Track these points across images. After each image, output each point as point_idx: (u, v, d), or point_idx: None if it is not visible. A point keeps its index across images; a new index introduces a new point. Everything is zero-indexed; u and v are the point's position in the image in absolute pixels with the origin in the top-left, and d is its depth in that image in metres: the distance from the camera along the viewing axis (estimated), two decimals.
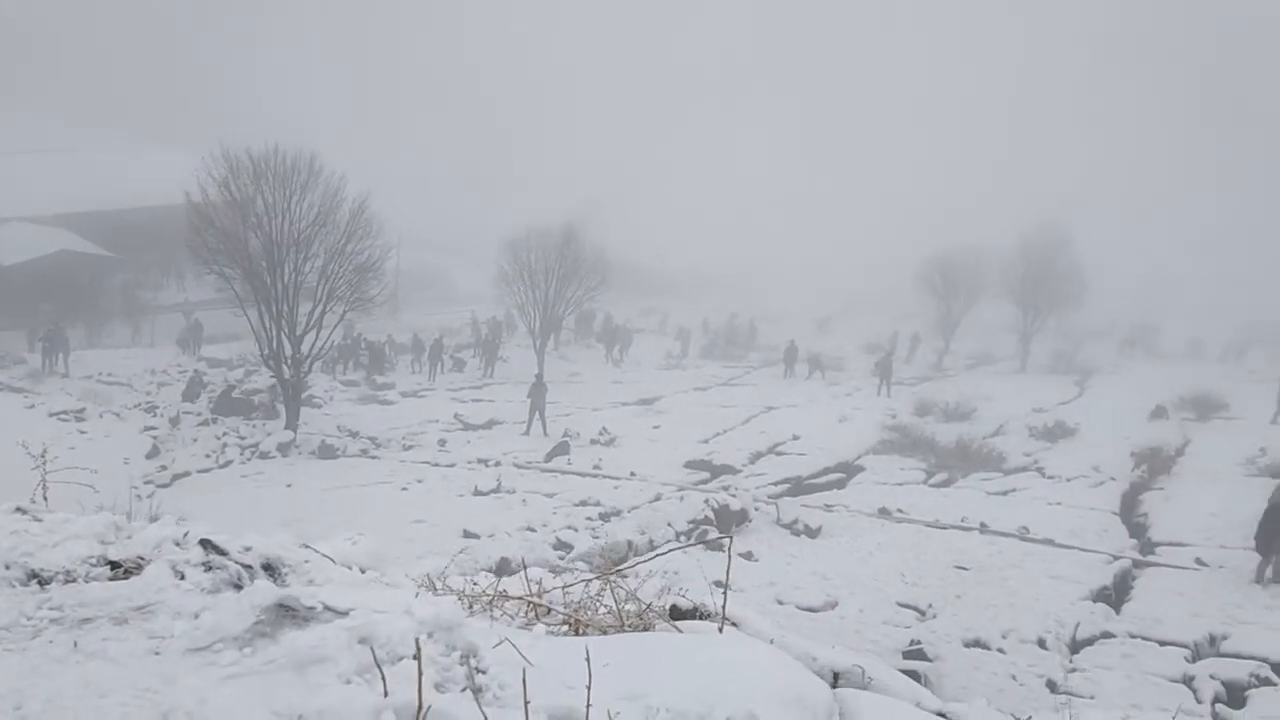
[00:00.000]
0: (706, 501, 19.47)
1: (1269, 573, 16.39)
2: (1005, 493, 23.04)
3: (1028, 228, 45.17)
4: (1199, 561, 17.80)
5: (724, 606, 4.17)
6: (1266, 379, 38.56)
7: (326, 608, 2.73)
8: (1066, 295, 44.68)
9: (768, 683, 2.97)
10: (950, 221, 58.77)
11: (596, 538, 18.29)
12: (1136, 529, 20.22)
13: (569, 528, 19.12)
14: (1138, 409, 32.17)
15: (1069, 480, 24.01)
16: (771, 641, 4.24)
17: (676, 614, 4.99)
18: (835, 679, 4.45)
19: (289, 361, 27.13)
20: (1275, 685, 13.01)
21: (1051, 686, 12.96)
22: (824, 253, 75.65)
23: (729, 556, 4.84)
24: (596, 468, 24.65)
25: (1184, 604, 15.69)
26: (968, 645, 14.18)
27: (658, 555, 15.78)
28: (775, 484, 23.58)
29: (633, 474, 23.87)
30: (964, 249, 46.35)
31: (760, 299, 63.73)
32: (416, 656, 2.31)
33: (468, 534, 18.34)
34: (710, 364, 46.73)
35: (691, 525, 18.77)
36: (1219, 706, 12.42)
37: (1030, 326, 44.72)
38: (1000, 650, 14.13)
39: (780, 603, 15.64)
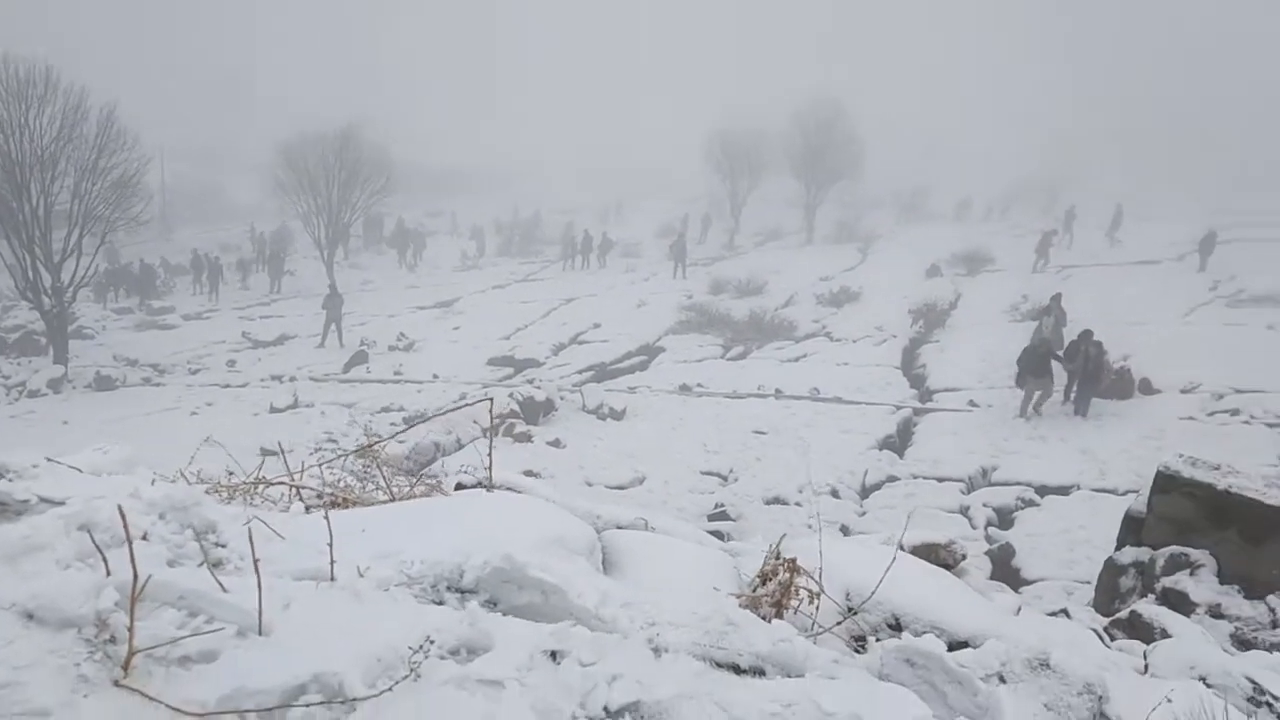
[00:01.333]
0: (511, 395, 19.46)
1: (1030, 408, 17.85)
2: (797, 359, 24.03)
3: (802, 103, 46.25)
4: (971, 403, 19.18)
5: (490, 469, 4.18)
6: (1027, 232, 41.45)
7: (42, 499, 2.56)
8: (844, 166, 46.24)
9: (529, 529, 3.00)
10: (734, 100, 59.30)
11: (402, 442, 18.01)
12: (916, 380, 21.54)
13: (372, 434, 18.75)
14: (915, 269, 34.02)
15: (855, 341, 25.27)
16: (549, 501, 4.30)
17: (460, 490, 4.98)
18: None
19: (49, 292, 25.15)
20: (1037, 505, 14.31)
21: (844, 530, 13.78)
22: (611, 139, 75.26)
23: (490, 436, 4.82)
24: (397, 374, 24.21)
25: (959, 443, 16.94)
26: (768, 503, 14.88)
27: (439, 415, 15.79)
28: (579, 372, 23.80)
29: (435, 376, 23.58)
30: (745, 127, 47.20)
31: (549, 191, 63.17)
32: (124, 525, 2.19)
33: (265, 451, 17.68)
34: (507, 261, 46.33)
35: (498, 421, 18.73)
36: (990, 529, 13.58)
37: (813, 200, 46.22)
38: (798, 504, 14.89)
39: (589, 484, 15.92)
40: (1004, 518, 14.06)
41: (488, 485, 4.22)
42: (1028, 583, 11.82)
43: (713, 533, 12.97)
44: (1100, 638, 4.82)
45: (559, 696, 2.23)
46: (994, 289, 30.13)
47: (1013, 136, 66.97)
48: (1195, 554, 6.96)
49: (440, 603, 2.68)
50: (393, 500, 4.00)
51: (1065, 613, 5.71)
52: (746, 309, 28.46)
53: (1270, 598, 6.60)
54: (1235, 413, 17.26)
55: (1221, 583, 6.83)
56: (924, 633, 3.08)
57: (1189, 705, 2.55)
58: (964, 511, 14.23)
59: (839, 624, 2.99)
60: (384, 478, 4.22)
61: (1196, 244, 31.43)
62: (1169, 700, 2.60)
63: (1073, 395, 17.87)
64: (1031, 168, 58.28)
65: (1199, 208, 42.71)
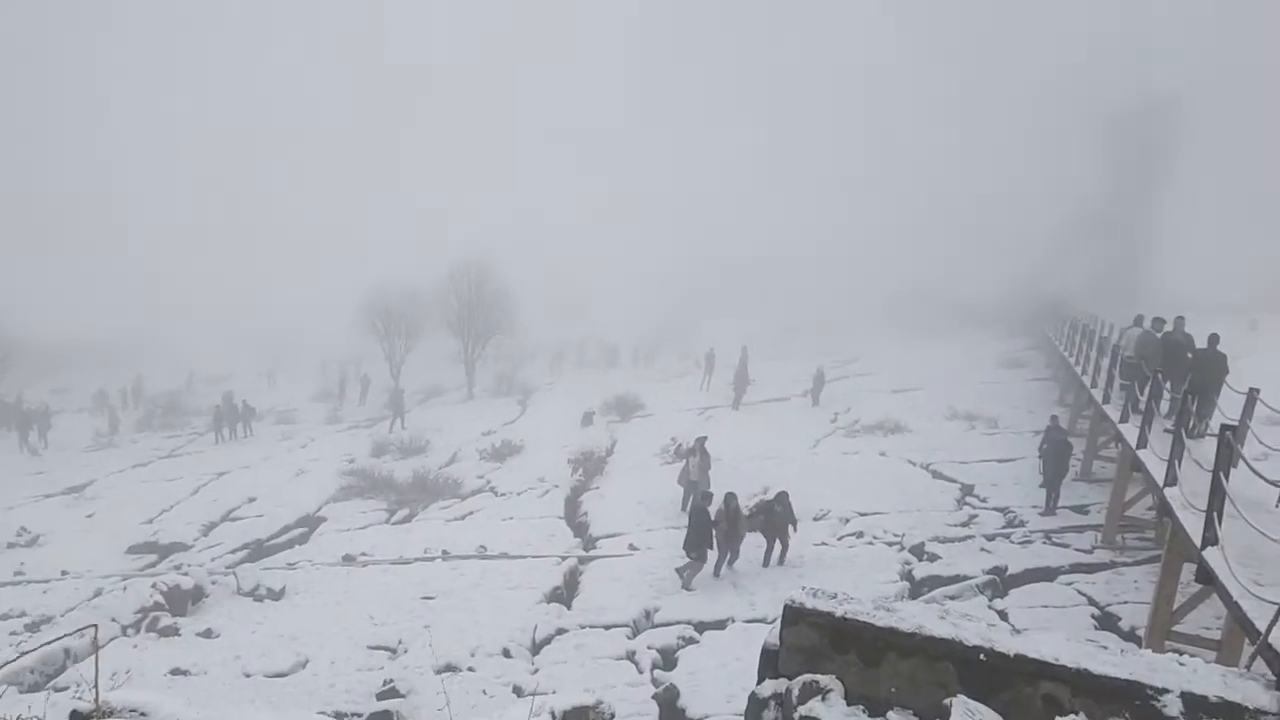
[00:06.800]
0: (154, 586, 18.00)
1: (690, 575, 17.49)
2: (463, 517, 24.04)
3: (454, 264, 47.13)
4: (631, 546, 20.02)
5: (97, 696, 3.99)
6: (669, 376, 44.36)
7: None
8: (498, 321, 47.44)
9: None
10: (380, 259, 59.20)
11: (25, 652, 16.07)
12: (580, 528, 22.18)
13: None
14: (572, 418, 35.20)
15: (519, 494, 25.69)
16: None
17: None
18: None
19: None
20: (698, 642, 15.10)
21: (518, 691, 13.83)
22: (248, 301, 71.66)
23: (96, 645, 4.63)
24: (18, 574, 21.64)
25: (622, 588, 17.57)
26: (439, 672, 14.63)
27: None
28: (233, 552, 22.46)
29: (64, 573, 21.34)
30: (400, 289, 47.41)
31: (191, 359, 59.26)
32: None
33: None
34: (150, 436, 42.89)
35: (140, 615, 17.26)
36: (656, 672, 14.12)
37: (471, 355, 46.90)
38: (470, 669, 14.77)
39: (247, 675, 14.95)
40: (668, 657, 14.70)
41: (119, 715, 4.01)
42: None
43: (380, 714, 12.68)
44: None
45: None
46: (646, 433, 31.81)
47: (652, 290, 70.62)
48: (824, 680, 7.68)
49: None
50: None
51: None
52: (410, 470, 28.21)
53: (890, 713, 7.41)
54: (860, 535, 19.22)
55: (849, 704, 7.57)
56: None
57: None
58: (630, 656, 14.73)
59: None
60: None
61: (810, 381, 34.99)
62: None
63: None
64: (668, 316, 62.37)
65: (810, 348, 47.49)
